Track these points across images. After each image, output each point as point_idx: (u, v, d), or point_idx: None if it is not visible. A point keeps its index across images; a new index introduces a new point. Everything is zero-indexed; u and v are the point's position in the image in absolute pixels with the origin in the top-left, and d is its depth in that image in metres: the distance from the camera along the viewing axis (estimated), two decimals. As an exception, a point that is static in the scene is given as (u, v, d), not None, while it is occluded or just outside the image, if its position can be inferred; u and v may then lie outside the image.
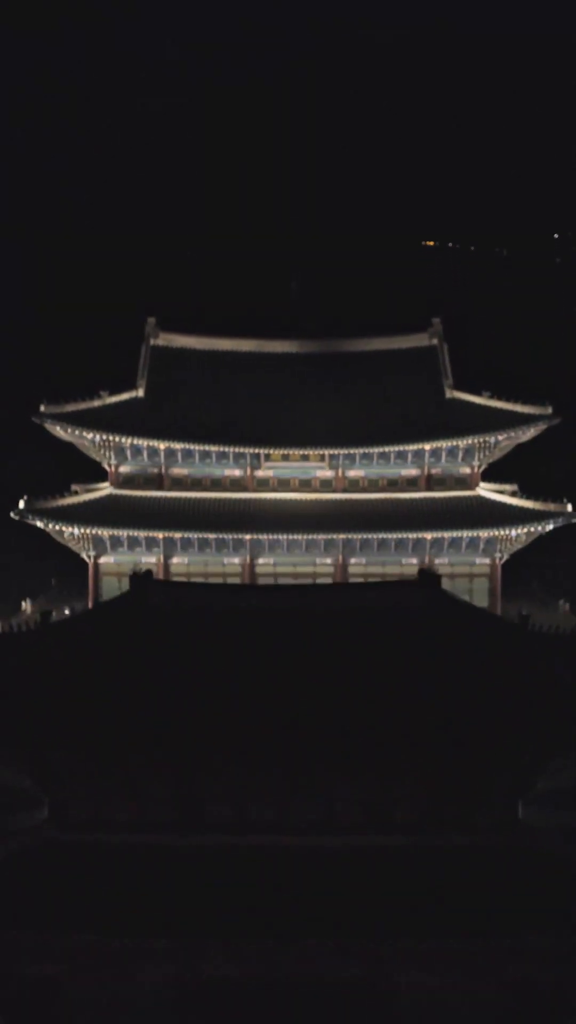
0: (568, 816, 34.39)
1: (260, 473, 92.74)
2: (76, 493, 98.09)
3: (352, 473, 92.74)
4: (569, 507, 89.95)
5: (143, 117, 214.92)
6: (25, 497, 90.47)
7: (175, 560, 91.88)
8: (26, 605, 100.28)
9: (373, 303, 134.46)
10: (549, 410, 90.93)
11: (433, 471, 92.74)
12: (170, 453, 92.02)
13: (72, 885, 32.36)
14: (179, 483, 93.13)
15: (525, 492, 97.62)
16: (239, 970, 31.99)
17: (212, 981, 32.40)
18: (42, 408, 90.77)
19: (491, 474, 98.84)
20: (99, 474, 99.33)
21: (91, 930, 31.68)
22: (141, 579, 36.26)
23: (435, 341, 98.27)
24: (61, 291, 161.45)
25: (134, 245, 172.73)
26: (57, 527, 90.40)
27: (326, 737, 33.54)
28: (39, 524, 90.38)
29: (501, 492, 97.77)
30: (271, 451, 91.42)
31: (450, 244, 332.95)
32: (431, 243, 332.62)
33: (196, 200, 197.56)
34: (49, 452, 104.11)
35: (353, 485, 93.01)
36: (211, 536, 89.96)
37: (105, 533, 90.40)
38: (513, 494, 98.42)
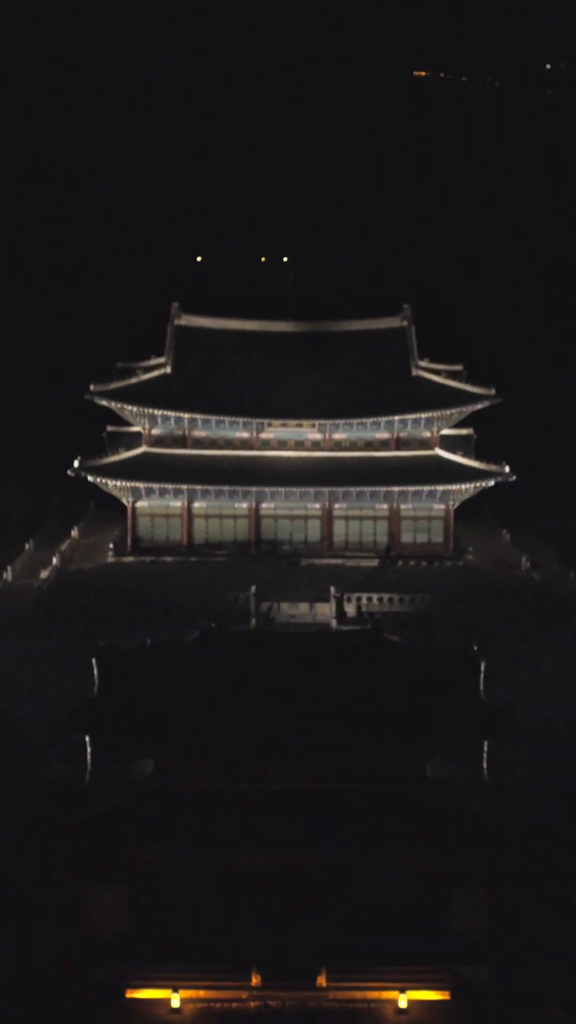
0: (453, 770, 56.77)
1: (263, 435, 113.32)
2: (113, 441, 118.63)
3: (337, 436, 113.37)
4: (507, 468, 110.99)
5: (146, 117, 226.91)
6: (79, 457, 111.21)
7: (196, 504, 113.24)
8: (75, 532, 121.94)
9: (357, 287, 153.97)
10: (493, 391, 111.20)
11: (401, 435, 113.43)
12: (192, 420, 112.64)
13: (170, 813, 54.68)
14: (199, 443, 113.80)
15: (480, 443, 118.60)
16: (261, 861, 54.47)
17: (245, 867, 54.96)
18: (91, 387, 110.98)
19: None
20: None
21: (182, 840, 54.14)
22: (207, 630, 58.03)
23: (405, 323, 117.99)
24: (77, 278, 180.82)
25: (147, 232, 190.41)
26: (103, 480, 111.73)
27: (312, 723, 55.58)
28: (89, 478, 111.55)
29: (457, 436, 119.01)
30: (272, 420, 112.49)
31: (442, 75, 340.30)
32: (422, 73, 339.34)
33: (201, 197, 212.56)
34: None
35: (337, 445, 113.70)
36: (225, 488, 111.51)
37: (141, 485, 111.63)
38: (468, 437, 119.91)
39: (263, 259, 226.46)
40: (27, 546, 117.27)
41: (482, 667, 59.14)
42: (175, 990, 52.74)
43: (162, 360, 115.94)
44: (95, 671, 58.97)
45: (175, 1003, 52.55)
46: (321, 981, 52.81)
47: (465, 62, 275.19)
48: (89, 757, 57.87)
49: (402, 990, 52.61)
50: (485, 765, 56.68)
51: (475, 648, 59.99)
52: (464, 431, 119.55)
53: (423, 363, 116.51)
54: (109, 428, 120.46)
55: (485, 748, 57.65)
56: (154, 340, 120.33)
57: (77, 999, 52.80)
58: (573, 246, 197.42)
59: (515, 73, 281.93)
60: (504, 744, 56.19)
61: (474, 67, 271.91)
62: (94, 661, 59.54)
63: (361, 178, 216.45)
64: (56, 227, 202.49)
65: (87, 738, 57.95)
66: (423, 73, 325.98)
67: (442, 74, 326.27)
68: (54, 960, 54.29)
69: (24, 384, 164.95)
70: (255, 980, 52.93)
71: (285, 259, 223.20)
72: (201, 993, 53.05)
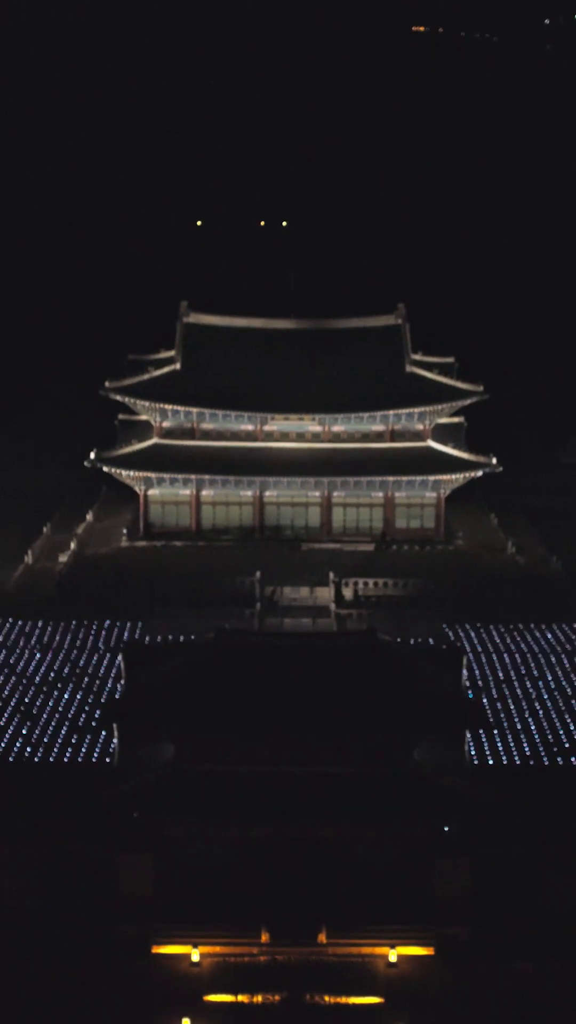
0: (435, 754, 64.12)
1: (267, 427, 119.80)
2: (124, 429, 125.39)
3: (336, 428, 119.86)
4: (494, 460, 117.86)
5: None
6: (95, 450, 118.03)
7: (204, 492, 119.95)
8: (90, 516, 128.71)
9: (356, 286, 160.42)
10: (481, 388, 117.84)
11: (395, 427, 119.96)
12: (200, 413, 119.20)
13: (189, 793, 62.02)
14: (207, 435, 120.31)
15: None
16: (269, 833, 61.94)
17: (256, 838, 62.40)
18: (107, 384, 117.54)
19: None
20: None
21: (200, 815, 61.52)
22: (221, 631, 65.25)
23: (399, 321, 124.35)
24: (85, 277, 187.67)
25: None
26: (118, 471, 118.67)
27: (314, 713, 62.91)
28: (104, 469, 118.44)
29: (449, 424, 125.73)
30: (275, 414, 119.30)
31: (440, 30, 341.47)
32: (421, 28, 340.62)
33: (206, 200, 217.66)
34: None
35: (336, 437, 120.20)
36: (231, 477, 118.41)
37: (153, 475, 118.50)
38: (459, 426, 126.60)
39: (262, 223, 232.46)
40: (45, 529, 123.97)
41: (464, 664, 66.33)
42: (195, 946, 60.23)
43: (171, 353, 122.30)
44: (121, 666, 66.09)
45: (195, 957, 60.06)
46: (322, 938, 60.37)
47: (463, 45, 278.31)
48: (116, 742, 65.11)
49: (392, 946, 60.18)
50: (466, 749, 64.03)
51: (457, 647, 67.18)
52: (456, 419, 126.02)
53: (417, 356, 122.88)
54: (121, 416, 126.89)
55: (467, 735, 65.00)
56: (153, 332, 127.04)
57: (109, 954, 60.31)
58: (568, 240, 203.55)
59: (514, 51, 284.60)
60: (483, 731, 63.44)
61: (472, 50, 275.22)
62: (120, 657, 66.66)
63: (359, 178, 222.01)
64: (58, 228, 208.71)
65: (115, 726, 65.14)
66: (422, 28, 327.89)
67: (440, 29, 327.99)
68: (88, 920, 61.81)
69: (35, 375, 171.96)
70: (264, 937, 60.47)
71: (284, 223, 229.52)
72: (217, 949, 60.57)
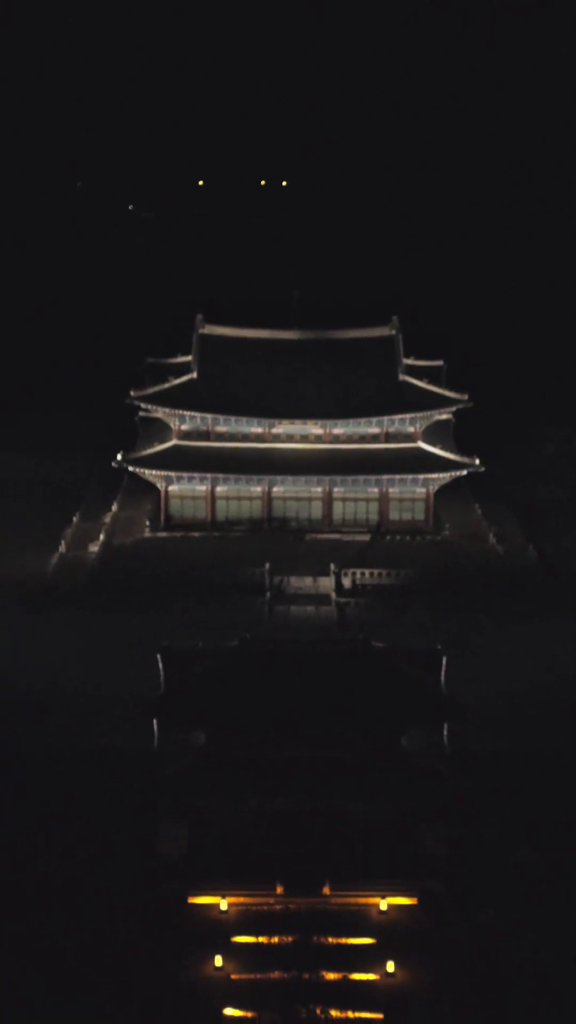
0: (419, 742, 76.83)
1: (275, 430, 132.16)
2: (144, 425, 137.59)
3: (336, 431, 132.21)
4: (477, 461, 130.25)
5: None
6: (121, 451, 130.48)
7: (219, 488, 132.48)
8: (115, 506, 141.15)
9: (356, 297, 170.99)
10: (466, 396, 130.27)
11: (389, 430, 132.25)
12: (215, 418, 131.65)
13: (217, 773, 74.95)
14: (221, 436, 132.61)
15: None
16: (283, 806, 74.82)
17: (272, 810, 75.21)
18: (132, 393, 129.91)
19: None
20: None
21: (226, 791, 74.46)
22: (244, 640, 77.93)
23: (393, 332, 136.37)
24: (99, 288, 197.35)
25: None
26: (141, 470, 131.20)
27: (319, 708, 75.74)
28: (130, 468, 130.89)
29: (439, 421, 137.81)
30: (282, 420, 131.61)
31: None
32: None
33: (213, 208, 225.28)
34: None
35: (336, 439, 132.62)
36: (242, 475, 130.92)
37: (173, 474, 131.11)
38: (448, 423, 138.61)
39: (263, 183, 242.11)
40: (74, 519, 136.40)
41: (443, 665, 79.00)
42: (223, 897, 72.96)
43: (187, 359, 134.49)
44: (160, 667, 78.70)
45: (223, 907, 72.81)
46: (326, 891, 73.03)
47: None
48: (156, 733, 77.78)
49: (383, 897, 72.85)
50: (445, 737, 76.80)
51: (438, 649, 79.74)
52: (445, 416, 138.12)
53: (409, 361, 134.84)
54: (140, 414, 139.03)
55: (445, 725, 77.79)
56: (152, 328, 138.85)
57: (152, 905, 73.24)
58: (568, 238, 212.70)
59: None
60: (461, 724, 76.23)
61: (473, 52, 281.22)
62: (159, 658, 79.25)
63: (358, 177, 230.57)
64: (57, 228, 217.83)
65: (155, 720, 77.79)
66: None
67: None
68: (134, 878, 74.74)
69: (32, 371, 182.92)
70: (279, 890, 73.15)
71: (284, 183, 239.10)
72: (241, 899, 73.19)
